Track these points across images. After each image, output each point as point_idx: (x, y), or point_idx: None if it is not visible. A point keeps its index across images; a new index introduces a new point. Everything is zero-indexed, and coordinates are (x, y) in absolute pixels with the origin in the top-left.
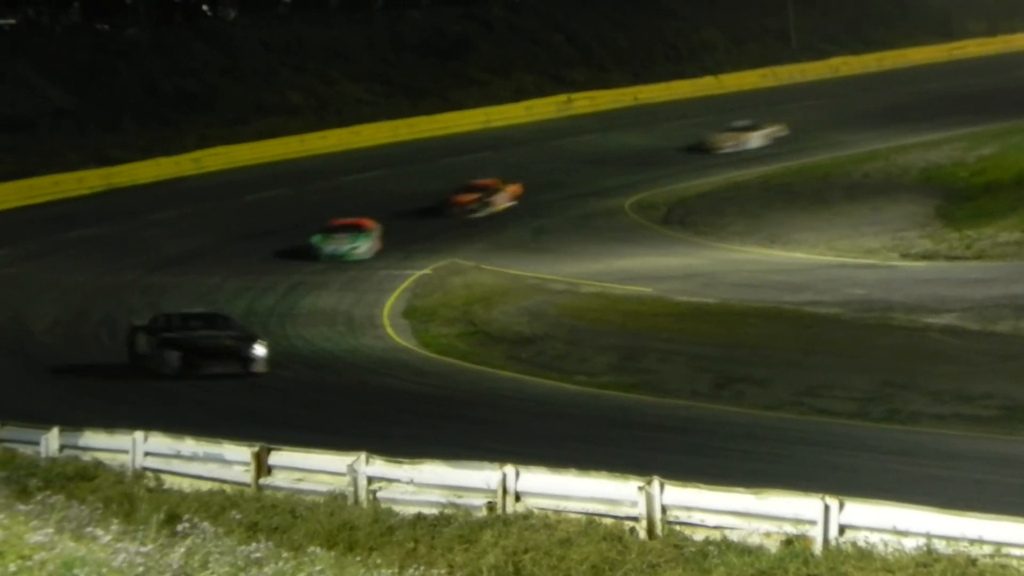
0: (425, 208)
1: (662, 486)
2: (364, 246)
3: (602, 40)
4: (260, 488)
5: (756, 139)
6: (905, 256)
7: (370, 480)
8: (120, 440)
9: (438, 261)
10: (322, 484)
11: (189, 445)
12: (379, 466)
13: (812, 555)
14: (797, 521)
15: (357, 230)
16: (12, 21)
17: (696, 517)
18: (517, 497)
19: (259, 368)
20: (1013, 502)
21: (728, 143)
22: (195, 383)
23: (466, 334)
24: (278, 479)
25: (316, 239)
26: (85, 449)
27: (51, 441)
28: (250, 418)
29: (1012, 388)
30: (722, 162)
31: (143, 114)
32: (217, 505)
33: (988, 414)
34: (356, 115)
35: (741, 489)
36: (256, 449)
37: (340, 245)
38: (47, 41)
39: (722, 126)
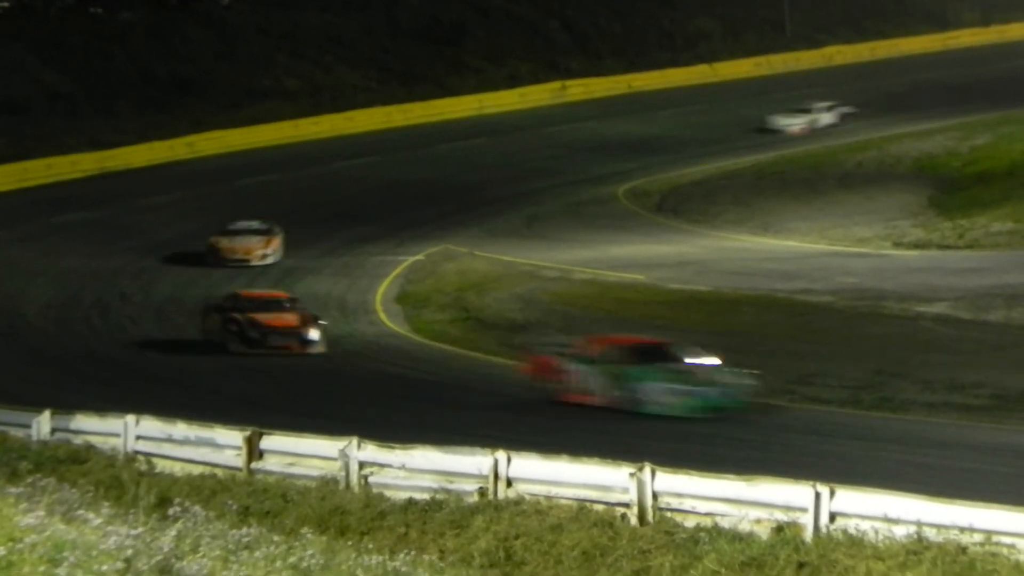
0: (418, 194)
1: (653, 472)
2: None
3: (597, 27)
4: (251, 472)
5: (273, 252)
6: (898, 245)
7: (362, 465)
8: (111, 423)
9: (431, 247)
10: (314, 469)
11: (181, 429)
12: (371, 451)
13: (803, 542)
14: (788, 508)
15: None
16: (6, 4)
17: (687, 504)
18: (508, 483)
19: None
20: (1003, 490)
21: (265, 250)
22: (184, 367)
23: (459, 320)
24: (270, 463)
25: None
26: (76, 432)
27: (42, 424)
28: (242, 402)
29: (1003, 377)
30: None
31: (137, 98)
32: (208, 489)
33: (979, 403)
34: (350, 101)
35: (732, 476)
36: (248, 433)
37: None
38: (41, 24)
39: (226, 229)
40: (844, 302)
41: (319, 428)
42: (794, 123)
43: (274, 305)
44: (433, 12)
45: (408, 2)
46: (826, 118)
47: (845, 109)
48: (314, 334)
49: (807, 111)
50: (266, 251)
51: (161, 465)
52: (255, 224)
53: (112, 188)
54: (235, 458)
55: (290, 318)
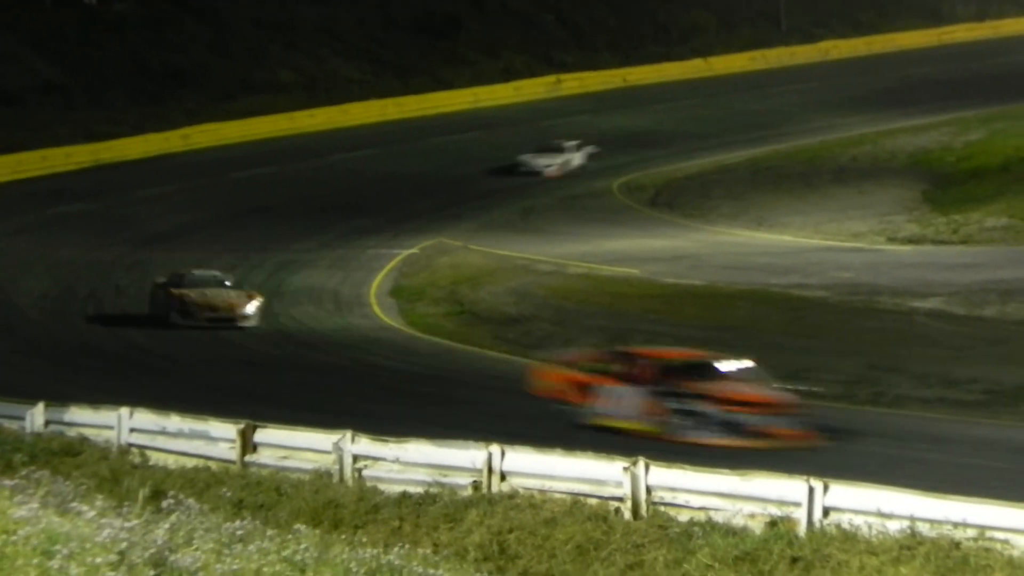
0: (412, 186)
1: (647, 467)
2: None
3: (592, 21)
4: (245, 465)
5: (257, 312)
6: (892, 240)
7: (355, 458)
8: (105, 416)
9: (426, 240)
10: (307, 462)
11: (175, 421)
12: (365, 444)
13: (796, 537)
14: (782, 503)
15: None
16: None
17: (681, 498)
18: (502, 476)
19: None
20: (997, 486)
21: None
22: (178, 359)
23: (453, 314)
24: (263, 456)
25: None
26: (70, 424)
27: (36, 416)
28: (236, 395)
29: (997, 372)
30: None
31: (132, 89)
32: (202, 482)
33: (973, 398)
34: (345, 94)
35: (726, 471)
36: (242, 426)
37: None
38: (36, 15)
39: (184, 278)
40: (838, 297)
41: (313, 421)
42: (552, 163)
43: (721, 372)
44: (428, 5)
45: None
46: (577, 158)
47: (591, 148)
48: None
49: (560, 150)
50: (251, 309)
51: (155, 458)
52: (217, 274)
53: (107, 180)
54: (229, 451)
55: (765, 393)
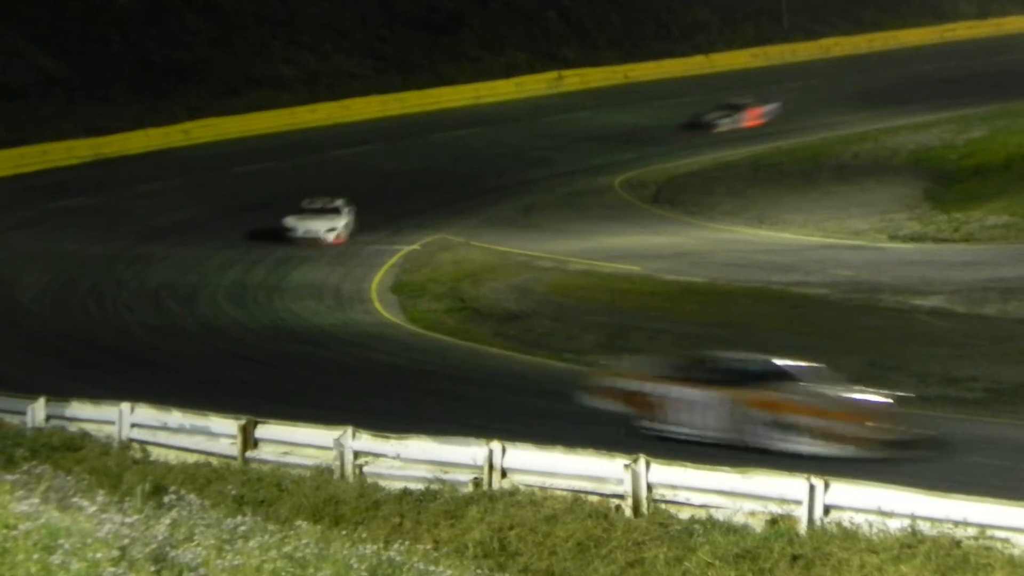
0: (414, 183)
1: (648, 464)
2: None
3: (594, 17)
4: (246, 461)
5: None
6: (893, 238)
7: (356, 454)
8: (106, 411)
9: (427, 236)
10: (308, 458)
11: (176, 417)
12: (365, 441)
13: (797, 535)
14: (782, 501)
15: None
16: None
17: (682, 495)
18: (503, 473)
19: None
20: (997, 485)
21: None
22: (180, 354)
23: (454, 310)
24: (264, 452)
25: None
26: (71, 419)
27: (37, 411)
28: (237, 391)
29: (998, 371)
30: (714, 141)
31: (134, 84)
32: (203, 477)
33: (974, 396)
34: (347, 89)
35: (727, 468)
36: (243, 422)
37: None
38: (38, 9)
39: None
40: (839, 294)
41: (314, 417)
42: (335, 227)
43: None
44: (430, 1)
45: None
46: (352, 220)
47: (355, 208)
48: None
49: (338, 212)
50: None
51: (156, 453)
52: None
53: (108, 174)
54: (230, 447)
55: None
